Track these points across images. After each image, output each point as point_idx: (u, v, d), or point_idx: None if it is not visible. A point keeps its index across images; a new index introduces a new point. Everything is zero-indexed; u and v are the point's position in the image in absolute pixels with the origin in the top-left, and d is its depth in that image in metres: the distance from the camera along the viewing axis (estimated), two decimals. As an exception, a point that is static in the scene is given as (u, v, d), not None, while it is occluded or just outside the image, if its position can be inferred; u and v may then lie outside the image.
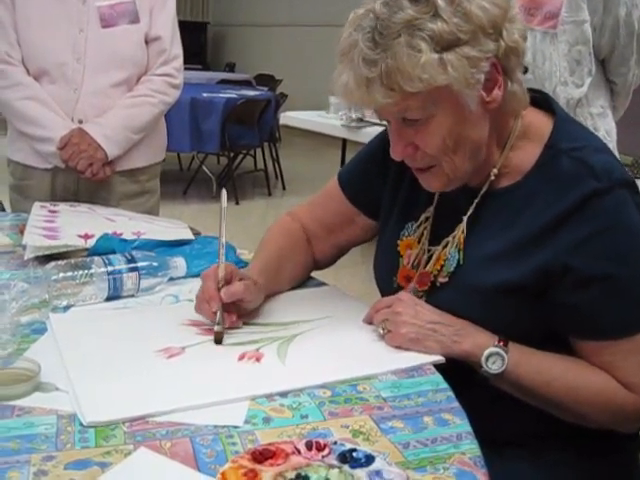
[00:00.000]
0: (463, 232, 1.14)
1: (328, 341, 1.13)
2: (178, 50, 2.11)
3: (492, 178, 1.13)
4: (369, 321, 1.17)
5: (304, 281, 1.39)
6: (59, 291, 1.20)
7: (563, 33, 1.88)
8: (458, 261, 1.14)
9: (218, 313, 1.10)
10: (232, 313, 1.13)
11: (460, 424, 0.92)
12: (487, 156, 1.11)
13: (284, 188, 6.47)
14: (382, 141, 1.26)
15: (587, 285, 1.05)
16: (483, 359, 1.06)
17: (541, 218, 1.07)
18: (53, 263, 1.24)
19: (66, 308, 1.21)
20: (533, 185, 1.10)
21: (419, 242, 1.20)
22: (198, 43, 11.08)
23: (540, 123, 1.13)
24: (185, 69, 2.16)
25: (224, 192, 1.12)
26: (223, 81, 7.66)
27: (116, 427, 0.87)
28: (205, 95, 5.76)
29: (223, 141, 5.69)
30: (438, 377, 1.04)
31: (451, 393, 1.00)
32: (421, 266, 1.19)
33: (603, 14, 1.91)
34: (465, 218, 1.14)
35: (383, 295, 1.24)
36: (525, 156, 1.12)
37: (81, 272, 1.22)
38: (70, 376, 0.97)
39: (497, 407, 1.11)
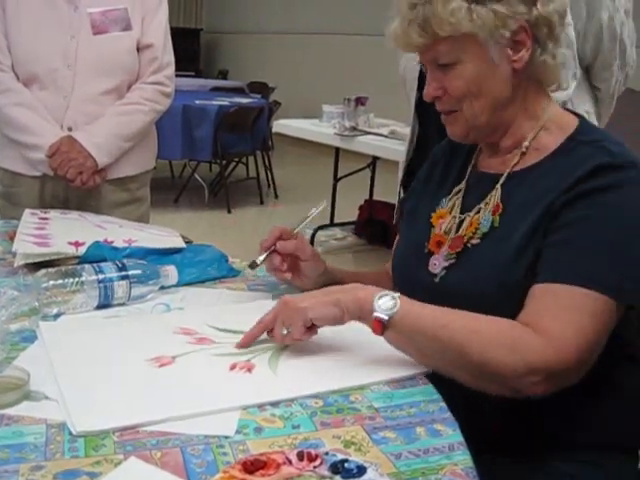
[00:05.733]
0: (497, 198, 1.18)
1: (320, 351, 1.12)
2: (170, 58, 2.10)
3: (523, 150, 1.18)
4: (256, 335, 1.12)
5: None
6: (49, 299, 1.20)
7: None
8: (492, 224, 1.16)
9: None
10: (281, 258, 1.30)
11: (452, 435, 0.92)
12: (517, 129, 1.19)
13: (276, 197, 6.46)
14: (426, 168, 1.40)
15: (571, 224, 1.07)
16: (375, 298, 1.05)
17: (555, 190, 1.10)
18: (43, 271, 1.23)
19: (56, 316, 1.21)
20: (550, 166, 1.15)
21: (450, 212, 1.25)
22: (191, 50, 11.05)
23: (569, 118, 1.21)
24: (177, 76, 2.15)
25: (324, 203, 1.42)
26: (216, 88, 7.65)
27: (106, 436, 0.86)
28: (198, 102, 5.75)
29: (215, 149, 5.68)
30: (430, 388, 1.04)
31: (443, 404, 0.99)
32: (452, 232, 1.22)
33: (586, 19, 1.97)
34: (499, 186, 1.19)
35: (404, 280, 1.29)
36: (552, 140, 1.17)
37: (71, 280, 1.22)
38: (60, 385, 0.97)
39: (497, 421, 1.11)
